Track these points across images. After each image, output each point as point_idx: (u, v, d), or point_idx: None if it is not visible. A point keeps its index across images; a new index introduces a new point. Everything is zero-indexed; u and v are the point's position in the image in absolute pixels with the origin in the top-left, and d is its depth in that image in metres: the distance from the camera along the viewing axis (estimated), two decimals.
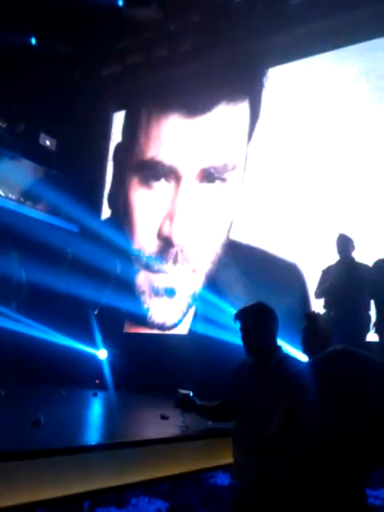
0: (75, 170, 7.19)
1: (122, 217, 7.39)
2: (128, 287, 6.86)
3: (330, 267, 4.66)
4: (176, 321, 6.59)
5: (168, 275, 6.72)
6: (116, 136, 7.90)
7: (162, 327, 6.66)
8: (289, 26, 6.21)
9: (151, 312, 6.78)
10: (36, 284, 5.83)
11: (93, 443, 2.76)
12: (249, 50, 6.55)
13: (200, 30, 6.60)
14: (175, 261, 6.68)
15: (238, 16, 6.36)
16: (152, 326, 6.73)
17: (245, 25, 6.39)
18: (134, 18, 6.65)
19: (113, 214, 7.64)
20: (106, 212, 7.73)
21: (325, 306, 4.46)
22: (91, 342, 6.23)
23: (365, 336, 4.34)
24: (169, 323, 6.63)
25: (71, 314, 6.41)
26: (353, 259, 4.53)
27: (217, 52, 6.68)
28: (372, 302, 4.35)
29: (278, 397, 2.03)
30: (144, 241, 7.06)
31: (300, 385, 1.95)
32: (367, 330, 4.32)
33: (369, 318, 4.35)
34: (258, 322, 2.30)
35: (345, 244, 4.51)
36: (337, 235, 4.61)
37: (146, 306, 6.82)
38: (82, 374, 6.00)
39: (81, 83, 7.30)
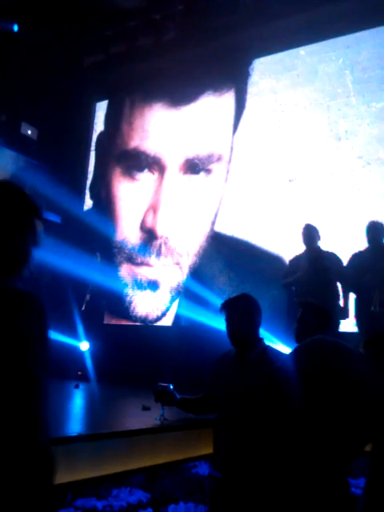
0: (57, 159, 7.08)
1: (105, 207, 7.30)
2: (110, 279, 6.79)
3: (297, 257, 4.74)
4: (159, 314, 6.55)
5: (151, 268, 6.67)
6: (99, 126, 7.80)
7: (144, 321, 6.61)
8: (274, 18, 6.18)
9: (134, 305, 6.73)
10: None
11: (73, 434, 2.73)
12: (234, 40, 6.51)
13: (184, 19, 6.53)
14: (159, 253, 6.63)
15: (223, 6, 6.30)
16: (135, 319, 6.68)
17: (230, 15, 6.33)
18: (117, 6, 6.54)
19: (95, 204, 7.56)
20: (88, 202, 7.64)
21: (295, 296, 4.50)
22: (73, 333, 6.17)
23: (337, 325, 4.40)
24: (152, 316, 6.59)
25: (52, 306, 6.30)
26: (318, 248, 4.59)
27: (201, 42, 6.62)
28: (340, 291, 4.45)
29: (259, 388, 2.02)
30: (127, 232, 6.99)
31: (282, 378, 1.93)
32: (338, 319, 4.38)
33: (339, 307, 4.43)
34: (243, 312, 2.31)
35: (310, 234, 4.58)
36: (302, 225, 4.68)
37: (128, 298, 6.77)
38: (64, 366, 5.93)
39: (63, 72, 7.17)
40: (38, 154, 7.04)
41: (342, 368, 1.69)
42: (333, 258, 4.55)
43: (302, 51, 6.26)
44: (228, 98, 6.61)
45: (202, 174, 6.56)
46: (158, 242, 6.64)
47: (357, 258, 4.54)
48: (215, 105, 6.67)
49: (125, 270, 6.91)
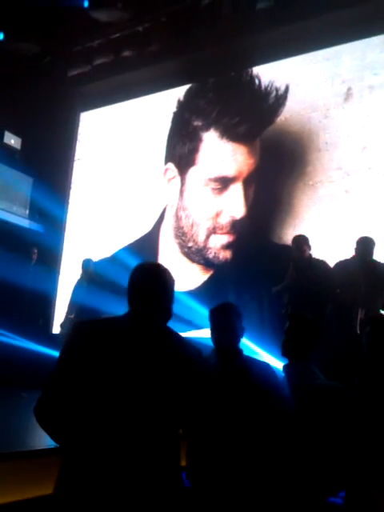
0: (41, 169, 7.10)
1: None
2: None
3: (292, 266, 4.72)
4: None
5: None
6: (83, 136, 7.84)
7: None
8: (255, 30, 6.26)
9: None
10: None
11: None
12: (216, 52, 6.58)
13: (167, 32, 6.60)
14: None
15: (206, 19, 6.38)
16: None
17: (212, 28, 6.41)
18: (101, 19, 6.62)
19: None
20: (72, 212, 7.66)
21: (284, 303, 4.51)
22: (54, 345, 6.13)
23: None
24: None
25: (34, 316, 6.30)
26: (309, 256, 4.60)
27: (184, 54, 6.70)
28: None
29: (246, 397, 2.02)
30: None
31: (276, 399, 1.94)
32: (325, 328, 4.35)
33: (327, 316, 4.40)
34: (233, 319, 2.32)
35: (300, 243, 4.59)
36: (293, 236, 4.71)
37: None
38: (45, 377, 5.89)
39: (47, 82, 7.22)
40: (22, 164, 7.05)
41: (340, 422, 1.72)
42: (322, 266, 4.55)
43: (284, 63, 6.35)
44: None
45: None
46: None
47: (342, 266, 4.49)
48: None
49: None
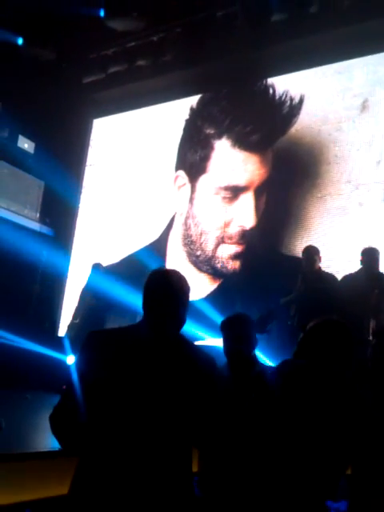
0: (52, 173, 7.18)
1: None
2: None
3: (301, 278, 4.73)
4: None
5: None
6: (95, 142, 7.93)
7: None
8: (269, 43, 6.32)
9: None
10: (6, 287, 5.78)
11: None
12: (229, 64, 6.64)
13: (182, 42, 6.68)
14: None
15: (220, 30, 6.45)
16: None
17: (226, 39, 6.47)
18: (116, 28, 6.71)
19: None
20: (82, 216, 7.73)
21: (291, 315, 4.52)
22: (60, 348, 6.17)
23: None
24: None
25: (41, 318, 6.35)
26: (319, 269, 4.62)
27: (198, 64, 6.77)
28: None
29: (259, 407, 2.04)
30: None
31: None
32: None
33: None
34: (250, 330, 2.34)
35: (310, 253, 4.61)
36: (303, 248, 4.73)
37: None
38: (50, 379, 5.93)
39: (62, 88, 7.32)
40: (34, 168, 7.14)
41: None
42: (331, 280, 4.56)
43: (297, 76, 6.40)
44: None
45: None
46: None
47: (350, 280, 4.50)
48: None
49: None
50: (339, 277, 4.59)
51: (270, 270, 5.58)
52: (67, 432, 1.50)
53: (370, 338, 4.06)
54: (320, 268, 4.64)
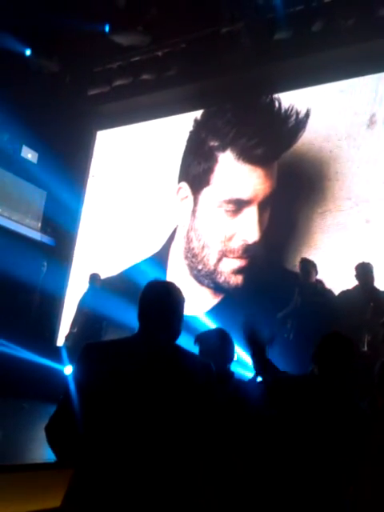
0: (55, 183, 7.23)
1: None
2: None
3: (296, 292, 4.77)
4: None
5: None
6: (98, 153, 8.00)
7: None
8: (272, 60, 6.41)
9: None
10: (6, 295, 5.79)
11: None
12: (232, 80, 6.73)
13: (186, 57, 6.78)
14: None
15: (224, 47, 6.54)
16: None
17: (230, 56, 6.56)
18: (121, 43, 6.82)
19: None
20: (83, 227, 7.77)
21: (288, 329, 4.54)
22: (57, 357, 6.17)
23: None
24: None
25: (40, 328, 6.34)
26: (316, 282, 4.65)
27: (201, 79, 6.86)
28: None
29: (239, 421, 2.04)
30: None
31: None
32: None
33: None
34: (227, 344, 2.36)
35: (306, 266, 4.65)
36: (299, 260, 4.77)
37: None
38: (47, 389, 5.91)
39: (66, 100, 7.41)
40: (37, 177, 7.19)
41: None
42: (327, 293, 4.61)
43: (300, 93, 6.46)
44: None
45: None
46: None
47: (345, 294, 4.57)
48: None
49: None
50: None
51: (273, 286, 5.46)
52: (62, 443, 1.51)
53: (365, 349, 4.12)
54: (316, 281, 4.68)
